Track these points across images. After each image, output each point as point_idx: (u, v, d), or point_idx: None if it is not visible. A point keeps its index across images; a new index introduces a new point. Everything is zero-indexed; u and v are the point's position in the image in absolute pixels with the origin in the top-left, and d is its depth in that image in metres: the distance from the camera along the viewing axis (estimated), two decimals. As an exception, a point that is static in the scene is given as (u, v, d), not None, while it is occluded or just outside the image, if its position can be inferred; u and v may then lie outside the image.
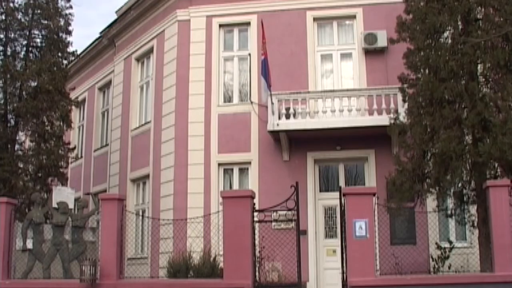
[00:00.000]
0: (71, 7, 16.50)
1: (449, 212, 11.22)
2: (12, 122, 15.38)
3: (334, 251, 13.30)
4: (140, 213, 16.02)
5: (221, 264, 9.91)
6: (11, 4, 15.64)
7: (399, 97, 12.15)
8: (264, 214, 9.60)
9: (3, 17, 15.63)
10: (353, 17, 14.94)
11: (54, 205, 12.28)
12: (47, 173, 15.35)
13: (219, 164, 14.69)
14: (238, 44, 15.61)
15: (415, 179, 10.44)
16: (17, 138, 15.60)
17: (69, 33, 16.38)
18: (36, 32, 16.08)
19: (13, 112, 15.27)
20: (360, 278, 8.56)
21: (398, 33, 11.10)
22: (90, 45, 20.40)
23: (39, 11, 15.91)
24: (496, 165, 10.17)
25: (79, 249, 11.54)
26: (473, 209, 10.71)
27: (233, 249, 9.11)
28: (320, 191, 14.25)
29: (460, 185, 10.61)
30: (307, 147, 14.13)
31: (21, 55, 15.90)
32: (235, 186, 14.63)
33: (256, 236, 9.94)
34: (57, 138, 15.69)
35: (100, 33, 19.30)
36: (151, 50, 16.98)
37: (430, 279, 9.41)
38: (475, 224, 10.54)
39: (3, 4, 15.56)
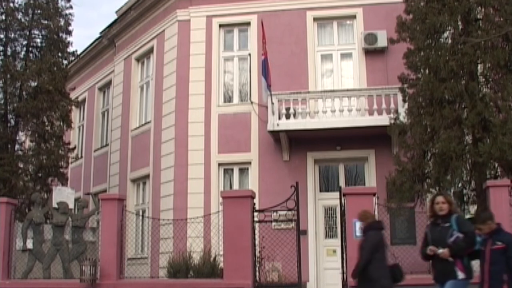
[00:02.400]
0: (71, 7, 16.55)
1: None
2: (12, 122, 15.39)
3: (334, 251, 13.29)
4: (140, 213, 16.02)
5: (221, 264, 9.93)
6: (11, 4, 15.66)
7: (399, 97, 12.16)
8: (264, 214, 9.61)
9: (3, 17, 15.64)
10: (353, 17, 14.93)
11: (54, 205, 12.29)
12: (47, 173, 15.35)
13: (219, 164, 14.68)
14: (238, 44, 15.61)
15: (415, 179, 10.45)
16: (17, 138, 15.60)
17: (69, 33, 16.39)
18: (36, 32, 16.09)
19: (13, 112, 15.28)
20: (360, 278, 8.55)
21: (398, 33, 11.11)
22: (90, 45, 20.40)
23: (39, 11, 15.91)
24: (496, 165, 10.18)
25: (79, 249, 11.54)
26: (473, 209, 10.71)
27: (233, 249, 9.11)
28: (320, 191, 14.24)
29: (460, 185, 10.61)
30: (307, 147, 14.13)
31: (21, 55, 15.90)
32: (235, 186, 14.63)
33: (256, 236, 9.94)
34: (57, 138, 15.70)
35: (100, 33, 19.29)
36: (151, 50, 16.98)
37: (430, 279, 9.37)
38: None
39: (3, 4, 15.57)
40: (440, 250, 6.14)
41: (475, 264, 6.38)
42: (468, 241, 6.10)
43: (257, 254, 9.91)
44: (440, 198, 6.45)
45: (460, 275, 6.07)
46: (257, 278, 9.57)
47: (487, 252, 5.87)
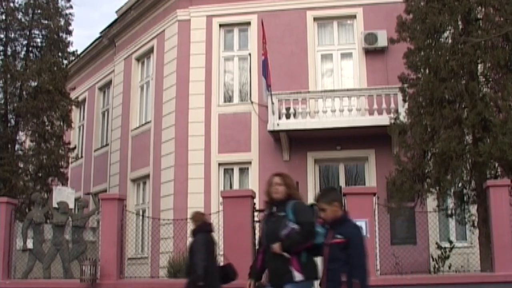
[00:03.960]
0: (71, 7, 16.58)
1: (449, 212, 11.22)
2: (13, 122, 15.40)
3: (335, 251, 13.26)
4: (140, 213, 16.02)
5: (221, 264, 9.90)
6: (11, 4, 15.67)
7: (399, 97, 12.16)
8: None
9: (3, 17, 15.65)
10: (353, 17, 14.94)
11: (55, 205, 12.29)
12: (47, 173, 15.35)
13: (219, 164, 14.68)
14: (238, 44, 15.61)
15: (415, 179, 10.44)
16: (18, 138, 15.61)
17: (69, 33, 16.40)
18: (36, 32, 16.10)
19: (14, 112, 15.28)
20: (360, 278, 8.56)
21: (398, 33, 11.10)
22: (90, 45, 20.39)
23: (39, 11, 15.92)
24: (496, 165, 10.17)
25: (79, 249, 11.54)
26: (473, 209, 10.71)
27: (233, 249, 9.10)
28: (321, 191, 14.21)
29: (460, 185, 10.61)
30: (307, 147, 14.13)
31: (21, 55, 15.91)
32: (235, 186, 14.63)
33: (257, 236, 9.92)
34: (57, 138, 15.70)
35: (100, 33, 19.29)
36: (151, 50, 16.98)
37: (430, 279, 9.41)
38: (475, 224, 10.54)
39: (3, 4, 15.58)
40: (273, 245, 4.94)
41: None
42: (304, 234, 4.87)
43: (257, 254, 9.90)
44: (276, 179, 5.23)
45: (297, 276, 4.87)
46: (257, 278, 9.54)
47: (325, 247, 4.66)
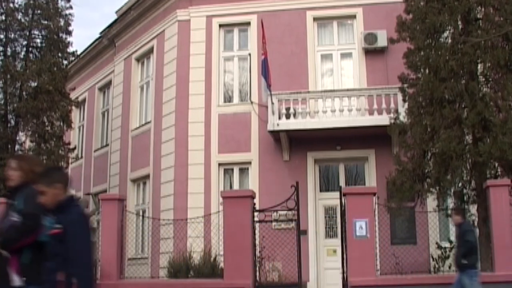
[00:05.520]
0: (71, 7, 16.59)
1: (449, 211, 11.22)
2: (12, 122, 15.39)
3: (335, 251, 13.30)
4: (141, 213, 16.01)
5: (222, 264, 9.93)
6: (11, 5, 15.67)
7: (399, 97, 12.17)
8: (265, 214, 9.60)
9: (3, 18, 15.65)
10: (353, 17, 14.93)
11: (54, 205, 12.26)
12: (48, 174, 15.32)
13: (219, 164, 14.68)
14: (238, 44, 15.61)
15: (415, 179, 10.45)
16: (17, 138, 15.60)
17: (69, 33, 16.41)
18: (36, 32, 16.10)
19: (13, 112, 15.28)
20: (360, 278, 8.57)
21: (398, 32, 11.11)
22: (90, 45, 20.39)
23: (39, 12, 15.93)
24: (496, 164, 10.18)
25: (79, 249, 11.52)
26: (473, 208, 10.71)
27: (233, 249, 9.11)
28: (321, 191, 14.24)
29: (460, 184, 10.62)
30: (307, 147, 14.13)
31: (21, 56, 15.91)
32: (235, 186, 14.62)
33: (257, 236, 9.94)
34: (57, 138, 15.70)
35: (100, 33, 19.29)
36: (151, 50, 16.98)
37: (430, 279, 9.42)
38: (475, 224, 10.54)
39: (3, 4, 15.58)
40: None
41: None
42: (21, 229, 4.00)
43: (257, 254, 9.91)
44: (10, 163, 4.37)
45: (16, 280, 4.00)
46: (257, 278, 9.57)
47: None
